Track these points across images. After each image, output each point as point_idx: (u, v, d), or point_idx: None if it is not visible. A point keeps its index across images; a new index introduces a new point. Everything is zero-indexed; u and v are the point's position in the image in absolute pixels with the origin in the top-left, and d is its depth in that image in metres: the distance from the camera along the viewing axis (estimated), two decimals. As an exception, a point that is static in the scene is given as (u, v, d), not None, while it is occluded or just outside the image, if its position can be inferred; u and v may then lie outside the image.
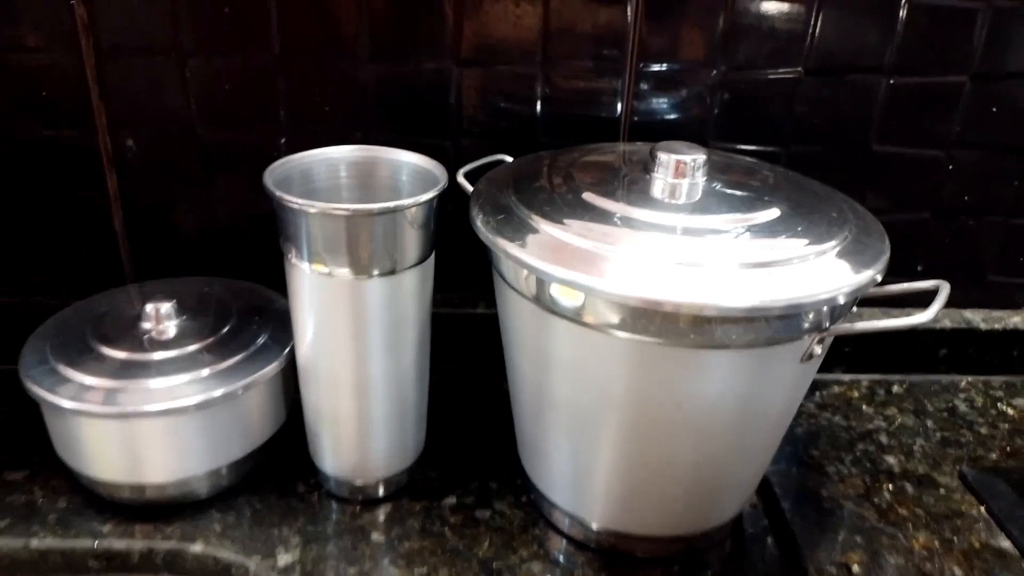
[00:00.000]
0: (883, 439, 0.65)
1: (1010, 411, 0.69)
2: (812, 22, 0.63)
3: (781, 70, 0.65)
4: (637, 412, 0.48)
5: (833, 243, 0.45)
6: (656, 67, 0.64)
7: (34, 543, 0.53)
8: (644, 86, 0.65)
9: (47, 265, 0.69)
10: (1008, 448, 0.65)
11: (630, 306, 0.43)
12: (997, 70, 0.65)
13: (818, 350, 0.45)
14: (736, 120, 0.66)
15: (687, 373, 0.45)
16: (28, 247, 0.68)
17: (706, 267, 0.42)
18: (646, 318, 0.44)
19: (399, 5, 0.61)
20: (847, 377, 0.73)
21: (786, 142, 0.67)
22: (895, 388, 0.72)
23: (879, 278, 0.44)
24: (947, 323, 0.73)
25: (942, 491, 0.60)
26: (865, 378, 0.73)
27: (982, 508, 0.58)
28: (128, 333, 0.56)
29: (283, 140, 0.65)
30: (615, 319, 0.44)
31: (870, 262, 0.44)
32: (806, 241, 0.45)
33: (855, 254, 0.45)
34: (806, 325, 0.44)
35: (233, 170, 0.66)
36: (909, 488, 0.60)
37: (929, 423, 0.67)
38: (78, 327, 0.57)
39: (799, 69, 0.64)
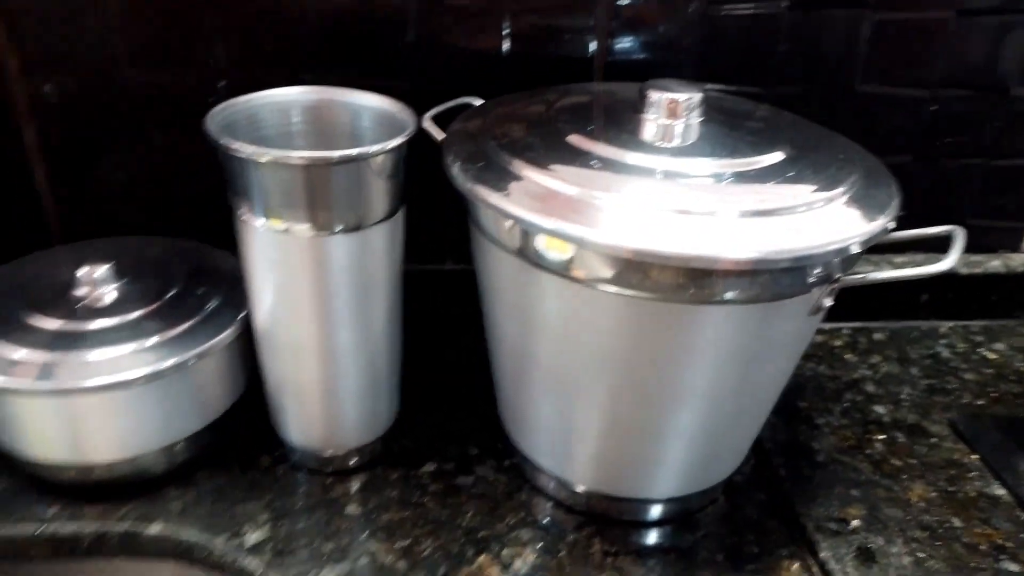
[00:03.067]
0: (870, 388, 0.63)
1: (991, 356, 0.68)
2: (798, -50, 0.59)
3: (763, 4, 0.61)
4: (629, 373, 0.44)
5: (842, 189, 0.42)
6: (632, 1, 0.60)
7: (-32, 533, 0.48)
8: (619, 22, 0.60)
9: (-37, 228, 0.62)
10: (993, 393, 0.64)
11: (623, 259, 0.39)
12: (983, 4, 0.62)
13: (827, 302, 0.42)
14: (716, 59, 0.62)
15: (684, 331, 0.42)
16: (-60, 208, 0.61)
17: (706, 215, 0.39)
18: (640, 272, 0.40)
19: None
20: (827, 325, 0.71)
21: (768, 82, 0.63)
22: (876, 335, 0.70)
23: (892, 226, 0.41)
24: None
25: (933, 440, 0.58)
26: (846, 326, 0.71)
27: (974, 456, 0.57)
28: (60, 300, 0.51)
29: (222, 83, 0.59)
30: (607, 273, 0.40)
31: (882, 208, 0.41)
32: (813, 187, 0.41)
33: (865, 200, 0.42)
34: (815, 277, 0.41)
35: (167, 116, 0.60)
36: (901, 438, 0.58)
37: (914, 370, 0.66)
38: (2, 296, 0.51)
39: (782, 4, 0.60)
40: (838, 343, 0.69)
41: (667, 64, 0.62)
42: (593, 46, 0.61)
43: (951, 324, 0.72)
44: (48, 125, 0.59)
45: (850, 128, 0.65)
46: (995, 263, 0.72)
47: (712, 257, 0.37)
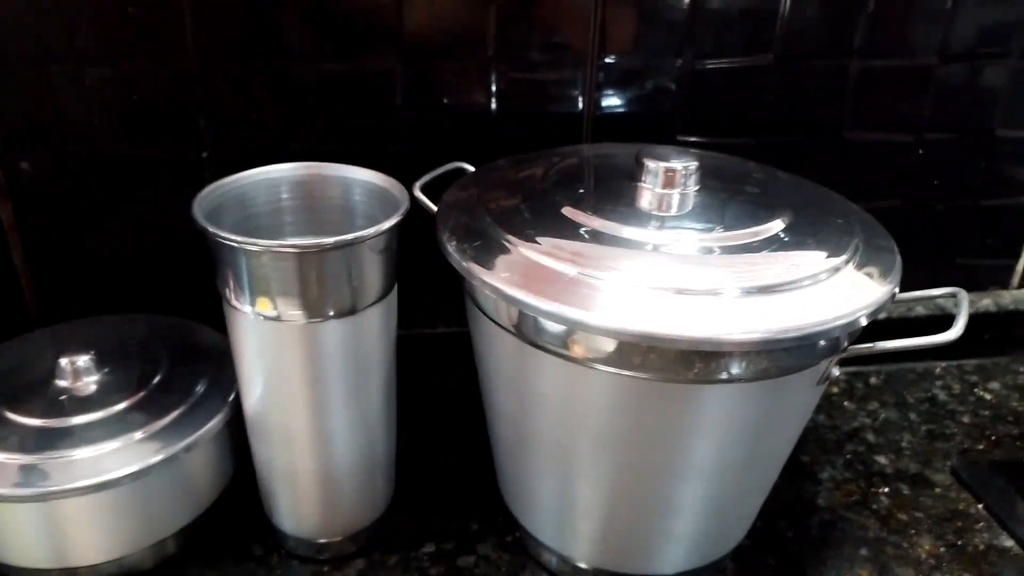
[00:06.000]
0: (870, 437, 0.63)
1: (988, 396, 0.68)
2: (782, 5, 0.59)
3: (749, 58, 0.60)
4: (631, 451, 0.43)
5: (844, 257, 0.41)
6: (618, 58, 0.59)
7: (-54, 648, 0.46)
8: (606, 78, 0.60)
9: (-64, 310, 0.60)
10: (993, 436, 0.63)
11: (623, 340, 0.38)
12: (966, 50, 0.63)
13: (835, 372, 0.41)
14: (704, 112, 0.62)
15: (687, 410, 0.41)
16: (-89, 291, 0.59)
17: (709, 294, 0.38)
18: (641, 352, 0.39)
19: (333, -3, 0.54)
20: (824, 371, 0.70)
21: (755, 133, 0.63)
22: (872, 380, 0.70)
23: (897, 291, 0.40)
24: (920, 310, 0.71)
25: (938, 490, 0.58)
26: (842, 371, 0.70)
27: (980, 506, 0.56)
28: (41, 393, 0.48)
29: (205, 154, 0.58)
30: (606, 353, 0.39)
31: (885, 274, 0.41)
32: (816, 257, 0.41)
33: (868, 266, 0.41)
34: (822, 350, 0.40)
35: (148, 190, 0.58)
36: (904, 489, 0.58)
37: (912, 416, 0.65)
38: (-21, 389, 0.49)
39: (769, 56, 0.60)
40: (835, 390, 0.68)
41: (655, 119, 0.62)
42: (581, 102, 0.60)
43: (945, 364, 0.72)
44: (25, 203, 0.57)
45: (839, 175, 0.66)
46: (986, 301, 0.73)
47: (716, 340, 0.36)
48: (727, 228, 0.42)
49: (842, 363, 0.42)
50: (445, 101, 0.59)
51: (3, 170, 0.56)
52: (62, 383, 0.49)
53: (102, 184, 0.57)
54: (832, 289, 0.39)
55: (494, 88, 0.59)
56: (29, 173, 0.56)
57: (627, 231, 0.42)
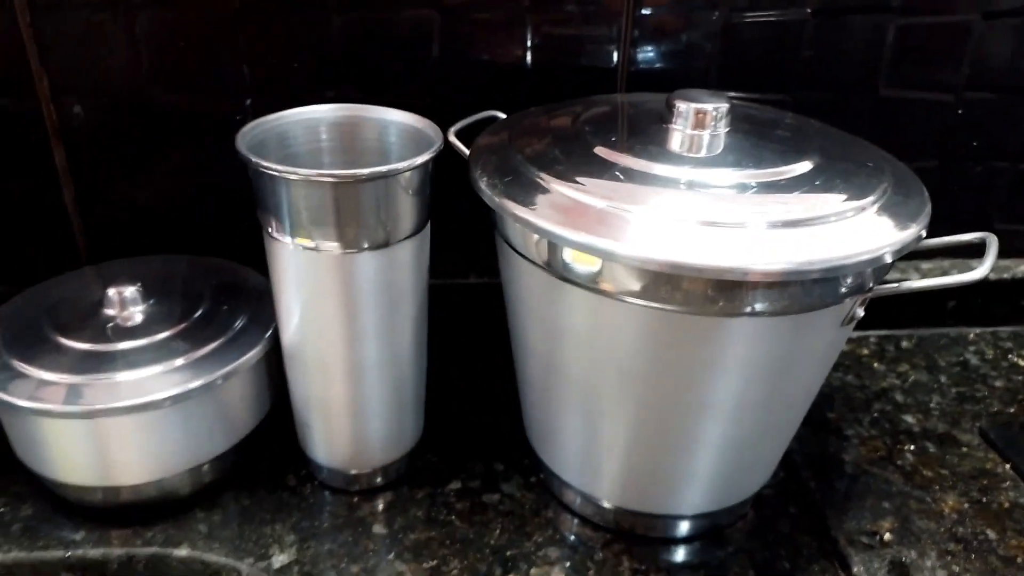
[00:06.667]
0: (899, 397, 0.63)
1: (1022, 363, 0.67)
2: (820, -43, 0.59)
3: (786, 11, 0.60)
4: (657, 387, 0.44)
5: (872, 198, 0.41)
6: (654, 11, 0.59)
7: (-2, 557, 0.48)
8: (641, 32, 0.60)
9: (-8, 248, 0.62)
10: (1024, 401, 0.63)
11: (651, 272, 0.39)
12: (1008, 6, 0.62)
13: (860, 312, 0.42)
14: (739, 67, 0.62)
15: (713, 344, 0.41)
16: (-32, 229, 0.62)
17: (736, 227, 0.38)
18: (669, 284, 0.39)
19: (373, -54, 0.56)
20: (855, 334, 0.70)
21: (791, 89, 0.63)
22: (904, 343, 0.69)
23: (924, 234, 0.40)
24: (955, 273, 0.70)
25: (964, 449, 0.57)
26: (873, 334, 0.70)
27: (1007, 466, 0.56)
28: (89, 321, 0.51)
29: (248, 102, 0.59)
30: (635, 286, 0.40)
31: (914, 216, 0.41)
32: (843, 196, 0.41)
33: (896, 208, 0.41)
34: (847, 288, 0.40)
35: (193, 136, 0.60)
36: (931, 448, 0.57)
37: (943, 378, 0.65)
38: (32, 317, 0.52)
39: (806, 10, 0.60)
40: (865, 352, 0.68)
41: (690, 73, 0.62)
42: (616, 57, 0.61)
43: (979, 330, 0.71)
44: (76, 146, 0.59)
45: (875, 133, 0.65)
46: (1023, 267, 0.71)
47: (742, 269, 0.37)
48: (756, 167, 0.42)
49: (874, 321, 0.42)
50: (480, 53, 0.60)
51: (57, 114, 0.58)
52: (109, 311, 0.51)
53: (149, 129, 0.59)
54: (858, 227, 0.39)
55: (529, 41, 0.60)
56: (81, 117, 0.59)
57: (657, 169, 0.43)
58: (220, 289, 0.55)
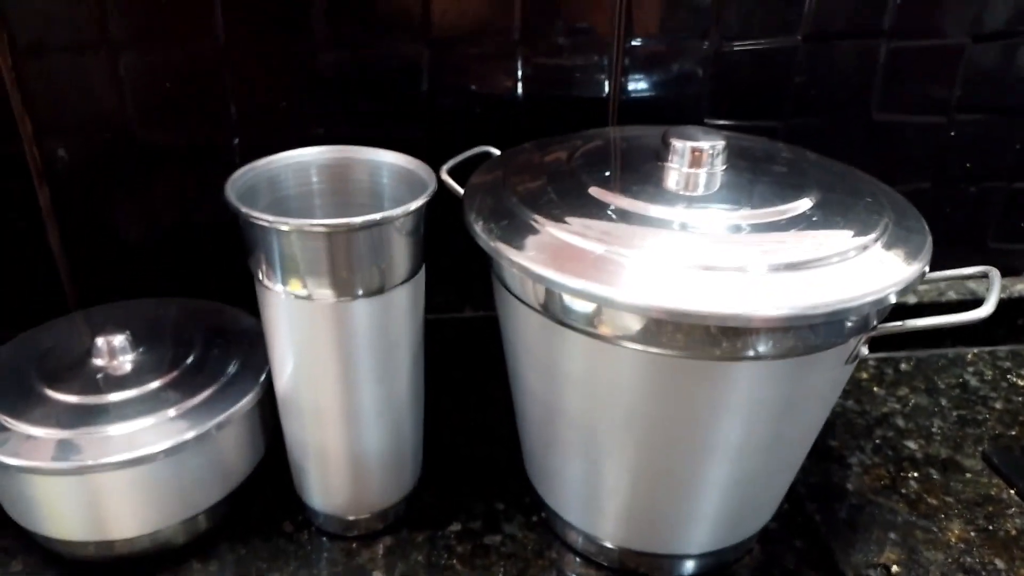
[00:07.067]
0: (900, 423, 0.62)
1: (1021, 382, 0.67)
2: (810, -17, 0.58)
3: (777, 39, 0.60)
4: (658, 430, 0.43)
5: (873, 235, 0.41)
6: (644, 41, 0.59)
7: (-12, 617, 0.47)
8: (632, 62, 0.60)
9: (-24, 294, 0.61)
10: (1025, 423, 0.63)
11: (650, 317, 0.38)
12: (997, 28, 0.62)
13: (864, 351, 0.41)
14: (731, 95, 0.62)
15: (715, 388, 0.41)
16: (-48, 275, 0.60)
17: (737, 271, 0.38)
18: (668, 329, 0.39)
19: (360, -18, 0.55)
20: (852, 357, 0.70)
21: (784, 115, 0.63)
22: (903, 365, 0.69)
23: (927, 270, 0.40)
24: (952, 295, 0.70)
25: (968, 475, 0.57)
26: (871, 357, 0.70)
27: (1012, 492, 0.55)
28: (78, 372, 0.50)
29: (236, 140, 0.59)
30: (633, 331, 0.39)
31: (915, 253, 0.40)
32: (844, 235, 0.40)
33: (898, 244, 0.41)
34: (851, 328, 0.40)
35: (180, 175, 0.59)
36: (935, 474, 0.57)
37: (943, 401, 0.65)
38: (19, 367, 0.50)
39: (797, 36, 0.60)
40: (864, 376, 0.68)
41: (682, 102, 0.62)
42: (607, 87, 0.60)
43: (977, 350, 0.71)
44: (61, 188, 0.58)
45: (869, 157, 0.65)
46: (1019, 286, 0.71)
47: (745, 316, 0.36)
48: (754, 207, 0.42)
49: (872, 344, 0.42)
50: (471, 86, 0.59)
51: (40, 156, 0.57)
52: (98, 362, 0.50)
53: (136, 170, 0.58)
54: (861, 266, 0.39)
55: (520, 73, 0.59)
56: (65, 160, 0.57)
57: (654, 210, 0.42)
58: (211, 333, 0.54)
